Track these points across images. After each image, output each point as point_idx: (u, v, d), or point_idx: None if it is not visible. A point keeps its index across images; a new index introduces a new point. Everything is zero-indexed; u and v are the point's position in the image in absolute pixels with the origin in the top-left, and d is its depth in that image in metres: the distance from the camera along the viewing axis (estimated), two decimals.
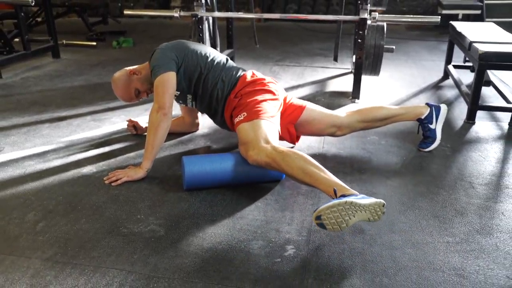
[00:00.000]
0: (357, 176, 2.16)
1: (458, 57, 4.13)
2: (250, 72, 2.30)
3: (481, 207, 1.88)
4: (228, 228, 1.73)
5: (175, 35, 5.95)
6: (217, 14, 3.62)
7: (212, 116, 2.37)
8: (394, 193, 2.00)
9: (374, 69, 3.47)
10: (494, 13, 5.89)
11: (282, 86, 3.62)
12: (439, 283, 1.44)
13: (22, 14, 4.25)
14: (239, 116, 2.08)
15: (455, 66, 3.85)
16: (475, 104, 2.82)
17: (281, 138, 2.38)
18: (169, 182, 2.09)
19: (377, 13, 3.12)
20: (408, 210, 1.86)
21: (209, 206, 1.89)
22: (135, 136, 2.61)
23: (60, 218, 1.80)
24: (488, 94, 3.39)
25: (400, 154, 2.40)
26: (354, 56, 3.41)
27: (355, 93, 3.32)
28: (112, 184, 2.03)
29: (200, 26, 3.39)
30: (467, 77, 3.66)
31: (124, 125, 2.73)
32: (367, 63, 3.41)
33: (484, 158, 2.35)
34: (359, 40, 3.18)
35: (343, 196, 1.59)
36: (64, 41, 5.13)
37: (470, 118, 2.85)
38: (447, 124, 2.77)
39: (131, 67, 2.33)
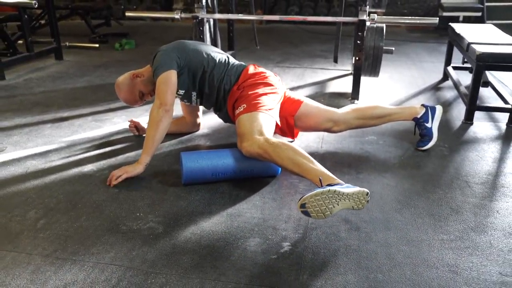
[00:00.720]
0: (354, 175, 2.18)
1: (458, 58, 4.15)
2: (252, 66, 2.38)
3: (477, 206, 1.90)
4: (225, 226, 1.76)
5: (177, 37, 5.95)
6: (217, 16, 3.65)
7: (217, 110, 2.44)
8: (391, 192, 2.02)
9: (374, 70, 3.49)
10: (495, 15, 5.90)
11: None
12: (433, 279, 1.46)
13: (26, 16, 4.30)
14: (239, 107, 2.17)
15: (455, 68, 3.87)
16: (473, 104, 2.84)
17: (283, 133, 2.47)
18: (168, 181, 2.12)
19: (375, 15, 3.14)
20: (404, 209, 1.88)
21: (207, 204, 1.91)
22: (136, 136, 2.64)
23: (61, 215, 1.83)
24: (487, 95, 3.40)
25: (397, 153, 2.42)
26: (354, 58, 3.43)
27: (355, 94, 3.35)
28: (113, 182, 2.04)
29: (201, 28, 3.42)
30: (466, 78, 3.68)
31: (125, 125, 2.76)
32: (367, 64, 3.43)
33: (481, 158, 2.37)
34: (358, 42, 3.20)
35: (329, 185, 1.66)
36: (67, 43, 5.18)
37: (468, 119, 2.87)
38: (445, 124, 2.79)
39: (135, 70, 2.39)
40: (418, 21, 3.29)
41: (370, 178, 2.15)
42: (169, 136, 2.58)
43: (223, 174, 2.04)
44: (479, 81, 2.78)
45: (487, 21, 5.77)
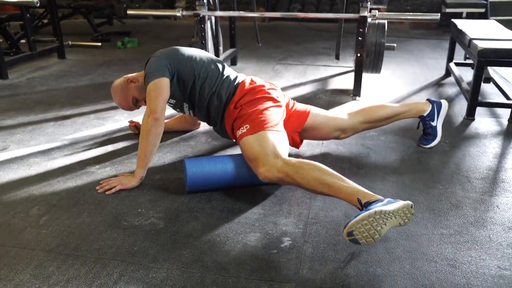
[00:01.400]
0: (355, 171, 2.19)
1: (461, 55, 4.14)
2: (249, 78, 2.21)
3: (477, 201, 1.91)
4: (226, 221, 1.77)
5: (179, 35, 6.00)
6: (219, 13, 3.66)
7: (211, 125, 2.32)
8: (391, 187, 2.02)
9: (375, 67, 3.50)
10: (499, 11, 5.88)
11: (284, 84, 3.68)
12: (432, 273, 1.47)
13: (28, 15, 4.33)
14: (242, 128, 1.98)
15: (457, 64, 3.86)
16: (474, 100, 2.84)
17: None
18: (170, 178, 2.13)
19: (377, 11, 3.15)
20: None
21: (208, 200, 1.93)
22: (137, 134, 2.65)
23: (63, 212, 1.85)
24: (489, 91, 3.40)
25: (398, 149, 2.43)
26: (355, 54, 3.44)
27: (356, 91, 3.35)
28: (106, 193, 1.98)
29: (202, 26, 3.43)
30: (468, 75, 3.67)
31: (127, 123, 2.78)
32: (368, 61, 3.43)
33: (482, 153, 2.37)
34: (359, 38, 3.20)
35: (369, 203, 1.52)
36: (70, 42, 5.20)
37: (470, 115, 2.87)
38: (447, 120, 2.79)
39: (130, 75, 2.31)
40: (419, 17, 3.30)
41: (370, 174, 2.15)
42: (171, 133, 2.60)
43: (229, 184, 1.98)
44: (481, 77, 2.78)
45: (491, 17, 5.75)
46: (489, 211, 1.82)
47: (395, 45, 3.55)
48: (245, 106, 2.07)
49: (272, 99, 2.11)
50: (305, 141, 2.49)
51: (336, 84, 3.74)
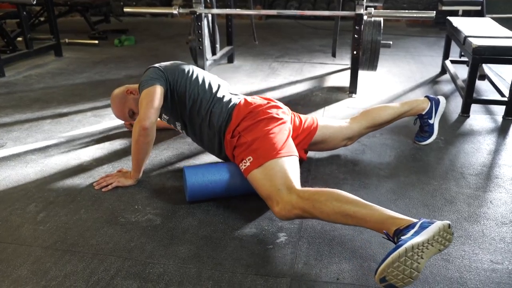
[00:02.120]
0: (350, 167, 2.20)
1: (457, 52, 4.17)
2: (243, 100, 2.00)
3: (470, 196, 1.93)
4: (222, 217, 1.78)
5: (177, 33, 6.00)
6: (216, 11, 3.67)
7: (207, 150, 2.13)
8: (386, 183, 2.04)
9: (371, 64, 3.51)
10: (495, 9, 5.89)
11: (280, 82, 3.69)
12: (425, 267, 1.48)
13: (25, 13, 4.32)
14: (244, 161, 1.77)
15: (452, 61, 3.88)
16: (469, 97, 2.86)
17: None
18: (167, 174, 2.14)
19: (373, 9, 3.16)
20: (398, 199, 1.90)
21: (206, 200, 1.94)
22: None
23: (60, 209, 1.86)
24: (484, 88, 3.42)
25: (394, 146, 2.44)
26: (351, 52, 3.45)
27: (352, 88, 3.37)
28: (103, 190, 1.98)
29: (199, 23, 3.44)
30: (464, 72, 3.68)
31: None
32: (364, 58, 3.45)
33: (477, 150, 2.39)
34: (355, 36, 3.22)
35: (399, 232, 1.35)
36: (67, 40, 5.20)
37: (465, 112, 2.89)
38: (442, 117, 2.80)
39: (131, 85, 2.27)
40: (415, 15, 3.30)
41: (366, 170, 2.17)
42: (168, 130, 2.61)
43: (230, 194, 1.91)
44: (475, 74, 2.80)
45: (487, 15, 5.77)
46: (482, 207, 1.85)
47: (391, 42, 3.56)
48: (244, 133, 1.85)
49: (273, 119, 1.89)
50: None
51: (332, 81, 3.75)
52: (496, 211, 1.81)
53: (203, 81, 2.04)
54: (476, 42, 2.77)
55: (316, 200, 1.53)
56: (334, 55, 4.13)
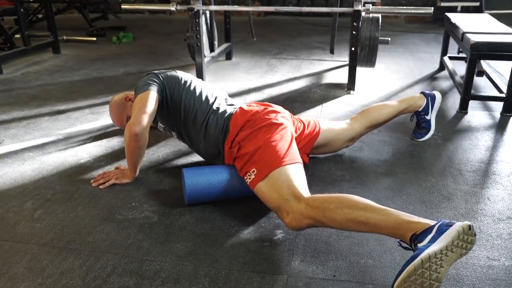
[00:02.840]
0: (348, 164, 2.20)
1: (455, 48, 4.16)
2: (239, 109, 1.94)
3: (468, 193, 1.93)
4: (220, 214, 1.78)
5: (175, 30, 5.99)
6: (213, 7, 3.66)
7: (207, 159, 2.08)
8: (384, 180, 2.04)
9: (370, 61, 3.51)
10: (493, 5, 5.88)
11: (279, 78, 3.68)
12: None
13: (22, 10, 4.31)
14: (249, 173, 1.71)
15: (451, 58, 3.88)
16: (467, 94, 2.85)
17: None
18: (164, 172, 2.14)
19: (371, 5, 3.15)
20: (396, 196, 1.90)
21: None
22: None
23: (57, 206, 1.85)
24: (482, 85, 3.42)
25: (391, 143, 2.44)
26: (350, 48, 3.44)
27: (351, 85, 3.36)
28: (100, 187, 1.98)
29: (197, 20, 3.43)
30: (462, 68, 3.68)
31: None
32: (363, 54, 3.44)
33: (474, 146, 2.39)
34: (353, 32, 3.21)
35: (416, 237, 1.25)
36: (65, 37, 5.19)
37: (463, 108, 2.89)
38: (440, 113, 2.81)
39: (130, 92, 2.27)
40: (413, 11, 3.30)
41: (363, 167, 2.17)
42: None
43: (230, 197, 1.89)
44: (473, 70, 2.79)
45: (485, 11, 5.76)
46: (479, 203, 1.85)
47: (389, 39, 3.56)
48: (243, 143, 1.79)
49: (273, 125, 1.82)
50: None
51: (330, 78, 3.75)
52: (493, 207, 1.81)
53: (200, 93, 2.00)
54: (474, 38, 2.76)
55: (326, 208, 1.45)
56: (332, 52, 4.12)
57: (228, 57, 4.38)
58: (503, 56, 2.77)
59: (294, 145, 1.81)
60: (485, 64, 3.56)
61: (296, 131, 1.98)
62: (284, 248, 1.58)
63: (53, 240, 1.63)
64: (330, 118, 2.72)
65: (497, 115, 2.84)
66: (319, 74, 3.88)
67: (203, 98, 1.98)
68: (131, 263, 1.51)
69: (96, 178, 2.04)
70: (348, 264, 1.49)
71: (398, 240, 1.32)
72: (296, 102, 3.12)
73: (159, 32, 5.89)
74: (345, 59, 4.33)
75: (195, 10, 3.39)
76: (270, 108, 1.94)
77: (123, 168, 2.10)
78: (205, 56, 3.65)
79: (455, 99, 3.11)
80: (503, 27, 3.25)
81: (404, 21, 6.65)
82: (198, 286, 1.41)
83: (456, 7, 5.97)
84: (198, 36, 3.46)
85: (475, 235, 1.23)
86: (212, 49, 4.05)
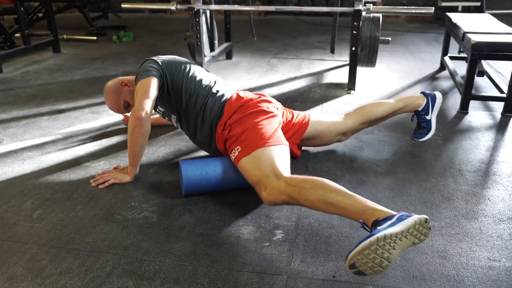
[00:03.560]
0: (348, 164, 2.20)
1: (456, 48, 4.15)
2: (235, 94, 2.05)
3: (468, 193, 1.92)
4: (219, 214, 1.78)
5: (175, 29, 5.99)
6: (214, 7, 3.65)
7: (200, 146, 2.19)
8: (384, 180, 2.03)
9: (370, 61, 3.50)
10: (494, 5, 5.87)
11: (279, 78, 3.68)
12: (422, 265, 1.48)
13: (22, 9, 4.30)
14: (234, 151, 1.84)
15: (451, 58, 3.87)
16: (468, 94, 2.85)
17: None
18: (164, 171, 2.14)
19: (371, 5, 3.15)
20: (396, 196, 1.90)
21: (202, 193, 1.93)
22: None
23: (57, 206, 1.85)
24: (483, 85, 3.41)
25: (392, 143, 2.44)
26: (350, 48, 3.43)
27: (351, 84, 3.36)
28: (99, 187, 1.98)
29: (197, 19, 3.42)
30: (463, 68, 3.67)
31: (121, 117, 2.77)
32: (363, 54, 3.43)
33: (475, 147, 2.38)
34: (354, 32, 3.20)
35: (376, 223, 1.35)
36: (65, 36, 5.18)
37: (463, 108, 2.88)
38: (441, 114, 2.80)
39: (124, 77, 2.28)
40: (414, 11, 3.29)
41: (364, 167, 2.16)
42: (165, 127, 2.61)
43: (226, 188, 1.93)
44: (474, 70, 2.79)
45: (486, 11, 5.75)
46: (480, 204, 1.84)
47: (390, 38, 3.55)
48: (234, 126, 1.91)
49: (263, 112, 1.95)
50: None
51: (331, 78, 3.74)
52: (493, 208, 1.81)
53: (200, 76, 2.09)
54: (475, 38, 2.75)
55: (302, 187, 1.56)
56: (332, 52, 4.11)
57: (229, 56, 4.38)
58: (504, 56, 2.76)
59: (280, 131, 1.93)
60: (486, 64, 3.56)
61: (285, 120, 2.09)
62: (283, 248, 1.58)
63: (52, 240, 1.63)
64: None
65: (498, 115, 2.83)
66: (320, 73, 3.87)
67: (203, 81, 2.07)
68: (130, 263, 1.50)
69: (96, 178, 2.04)
70: None
71: (360, 220, 1.40)
72: (297, 101, 3.11)
73: (159, 32, 5.88)
74: (346, 58, 4.32)
75: (195, 9, 3.39)
76: (263, 98, 2.06)
77: (122, 167, 2.09)
78: (205, 56, 3.65)
79: (455, 99, 3.10)
80: (504, 27, 3.25)
81: (404, 21, 6.64)
82: (197, 286, 1.40)
83: (457, 7, 5.96)
84: (198, 36, 3.45)
85: (429, 229, 1.32)
86: (212, 49, 4.04)
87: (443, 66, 3.91)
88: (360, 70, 3.61)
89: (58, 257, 1.54)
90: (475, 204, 1.84)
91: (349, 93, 3.32)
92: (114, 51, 4.78)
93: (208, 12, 3.88)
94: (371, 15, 3.32)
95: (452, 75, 3.37)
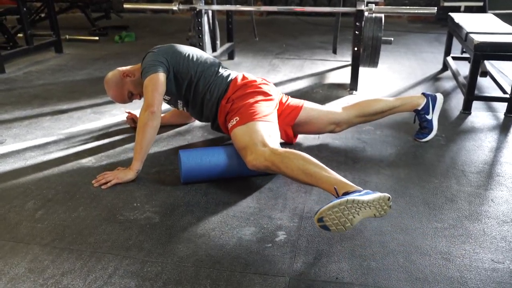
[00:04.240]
0: (350, 165, 2.19)
1: (458, 49, 4.14)
2: (241, 75, 2.26)
3: (472, 194, 1.91)
4: (221, 215, 1.77)
5: (177, 29, 5.99)
6: (216, 7, 3.65)
7: (203, 121, 2.39)
8: (386, 181, 2.03)
9: (372, 61, 3.49)
10: (497, 5, 5.85)
11: (281, 78, 3.67)
12: (425, 267, 1.47)
13: (25, 9, 4.31)
14: (232, 121, 2.06)
15: (454, 58, 3.86)
16: (470, 94, 2.84)
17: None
18: (166, 171, 2.13)
19: (373, 5, 3.14)
20: (399, 198, 1.89)
21: (204, 194, 1.93)
22: (134, 128, 2.65)
23: (59, 206, 1.85)
24: (486, 85, 3.40)
25: (394, 144, 2.43)
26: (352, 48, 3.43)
27: (353, 85, 3.35)
28: (102, 187, 1.98)
29: (199, 20, 3.42)
30: (465, 69, 3.66)
31: (124, 117, 2.78)
32: (365, 55, 3.42)
33: (478, 147, 2.37)
34: (356, 32, 3.20)
35: (346, 194, 1.54)
36: (67, 36, 5.19)
37: (466, 109, 2.87)
38: (443, 114, 2.79)
39: (123, 68, 2.32)
40: (416, 11, 3.29)
41: (366, 168, 2.16)
42: (167, 127, 2.60)
43: (223, 174, 2.01)
44: (477, 70, 2.78)
45: (489, 11, 5.74)
46: (483, 205, 1.83)
47: (392, 39, 3.54)
48: (236, 100, 2.12)
49: (263, 93, 2.16)
50: (301, 136, 2.49)
51: (333, 78, 3.74)
52: (497, 209, 1.80)
53: (205, 58, 2.26)
54: (478, 38, 2.75)
55: (285, 156, 1.78)
56: (334, 52, 4.11)
57: (230, 56, 4.38)
58: (507, 57, 2.76)
59: (275, 114, 2.14)
60: (489, 65, 3.55)
61: (280, 102, 2.27)
62: (286, 249, 1.57)
63: (54, 240, 1.63)
64: None
65: (501, 116, 2.83)
66: (322, 74, 3.86)
67: (209, 62, 2.25)
68: (132, 264, 1.50)
69: (98, 179, 2.03)
70: (351, 267, 1.48)
71: (335, 187, 1.58)
72: None
73: (161, 32, 5.88)
74: (348, 59, 4.32)
75: (197, 9, 3.39)
76: (265, 81, 2.27)
77: (123, 168, 2.09)
78: None
79: (458, 100, 3.10)
80: (507, 27, 3.24)
81: (407, 21, 6.63)
82: (199, 287, 1.40)
83: (460, 7, 5.94)
84: (200, 36, 3.45)
85: (390, 207, 1.53)
86: (214, 49, 4.04)
87: (445, 67, 3.90)
88: (362, 71, 3.61)
89: (60, 257, 1.54)
90: (479, 205, 1.83)
91: (351, 93, 3.32)
92: (116, 51, 4.78)
93: (210, 12, 3.87)
94: (373, 15, 3.31)
95: (455, 75, 3.36)
